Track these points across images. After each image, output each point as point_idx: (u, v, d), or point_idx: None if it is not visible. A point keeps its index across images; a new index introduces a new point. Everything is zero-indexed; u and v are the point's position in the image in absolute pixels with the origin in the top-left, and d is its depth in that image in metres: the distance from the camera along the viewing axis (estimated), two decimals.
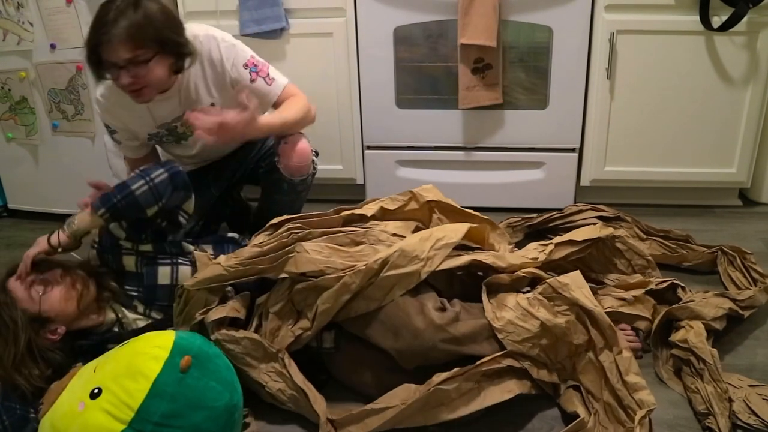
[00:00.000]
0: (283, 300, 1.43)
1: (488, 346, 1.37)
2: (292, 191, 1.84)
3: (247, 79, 1.72)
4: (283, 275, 1.43)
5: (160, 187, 1.49)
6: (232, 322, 1.44)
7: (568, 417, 1.33)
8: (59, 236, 1.51)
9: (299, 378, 1.36)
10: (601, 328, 1.36)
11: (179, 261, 1.58)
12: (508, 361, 1.35)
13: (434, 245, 1.44)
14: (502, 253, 1.58)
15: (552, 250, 1.59)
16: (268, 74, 1.74)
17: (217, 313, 1.42)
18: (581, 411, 1.31)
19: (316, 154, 1.89)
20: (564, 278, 1.41)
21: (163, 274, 1.56)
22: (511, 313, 1.38)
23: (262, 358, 1.38)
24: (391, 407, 1.28)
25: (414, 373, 1.38)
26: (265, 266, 1.44)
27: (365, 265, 1.38)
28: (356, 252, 1.47)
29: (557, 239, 1.65)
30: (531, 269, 1.51)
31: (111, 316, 1.53)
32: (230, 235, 1.77)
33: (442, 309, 1.40)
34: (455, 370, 1.31)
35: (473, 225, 1.57)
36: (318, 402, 1.33)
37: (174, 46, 1.58)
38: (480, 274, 1.58)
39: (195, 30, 1.69)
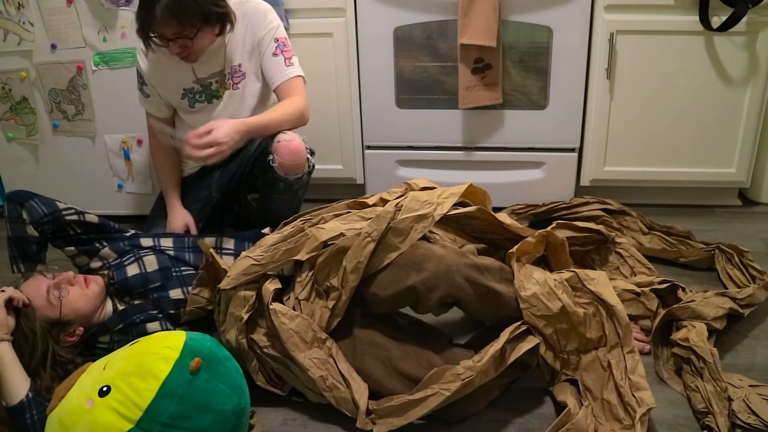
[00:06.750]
0: (309, 284, 1.46)
1: (503, 287, 1.41)
2: (288, 190, 1.84)
3: (272, 51, 1.81)
4: (307, 256, 1.45)
5: (10, 211, 1.61)
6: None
7: None
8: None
9: (344, 366, 1.38)
10: (619, 324, 1.38)
11: (141, 254, 1.67)
12: (527, 326, 1.40)
13: (441, 194, 1.51)
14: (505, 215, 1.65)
15: (554, 226, 1.67)
16: (289, 58, 1.83)
17: (274, 283, 1.46)
18: (570, 402, 1.33)
19: (312, 153, 1.88)
20: (592, 273, 1.45)
21: (132, 269, 1.64)
22: (539, 288, 1.40)
23: (310, 342, 1.40)
24: (432, 395, 1.31)
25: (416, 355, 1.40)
26: (290, 247, 1.48)
27: (382, 209, 1.43)
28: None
29: (559, 221, 1.72)
30: (545, 232, 1.55)
31: (109, 309, 1.58)
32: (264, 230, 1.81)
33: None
34: (491, 352, 1.33)
35: (472, 185, 1.62)
36: (360, 392, 1.35)
37: (217, 18, 1.69)
38: (485, 245, 1.62)
39: None
